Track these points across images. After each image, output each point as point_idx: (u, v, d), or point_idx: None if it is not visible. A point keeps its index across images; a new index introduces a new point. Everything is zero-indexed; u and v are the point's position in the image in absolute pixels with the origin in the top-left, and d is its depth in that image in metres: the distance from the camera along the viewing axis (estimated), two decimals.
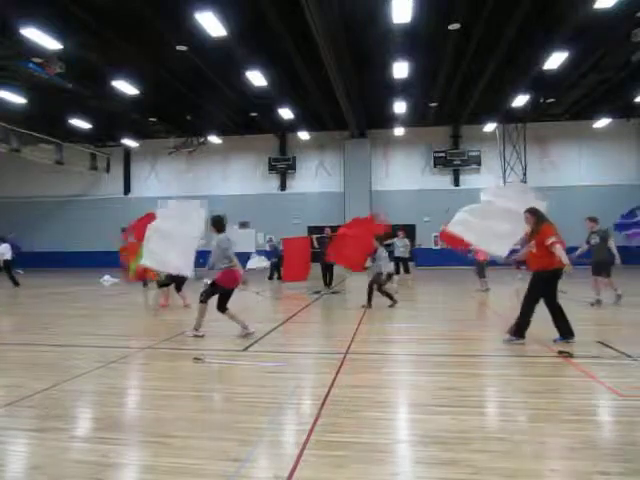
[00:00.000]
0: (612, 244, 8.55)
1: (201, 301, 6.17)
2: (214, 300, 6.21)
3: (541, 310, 5.61)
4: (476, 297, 10.68)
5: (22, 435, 3.15)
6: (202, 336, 6.21)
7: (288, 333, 6.60)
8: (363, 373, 4.51)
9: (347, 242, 10.18)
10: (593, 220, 8.76)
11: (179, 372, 4.67)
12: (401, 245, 15.61)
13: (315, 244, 13.97)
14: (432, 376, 4.43)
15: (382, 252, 8.90)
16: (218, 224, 6.31)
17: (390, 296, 8.84)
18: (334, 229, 13.72)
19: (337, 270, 13.65)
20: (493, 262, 11.84)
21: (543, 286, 5.55)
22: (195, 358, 5.01)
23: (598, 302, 8.64)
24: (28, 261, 23.98)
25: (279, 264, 15.01)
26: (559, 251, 5.31)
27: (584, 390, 3.92)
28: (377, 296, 9.17)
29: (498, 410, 3.62)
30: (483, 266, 11.34)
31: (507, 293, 11.50)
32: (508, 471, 2.53)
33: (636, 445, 2.84)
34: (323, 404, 3.59)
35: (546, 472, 2.56)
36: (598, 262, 8.63)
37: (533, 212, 5.65)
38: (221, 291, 6.17)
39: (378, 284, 8.76)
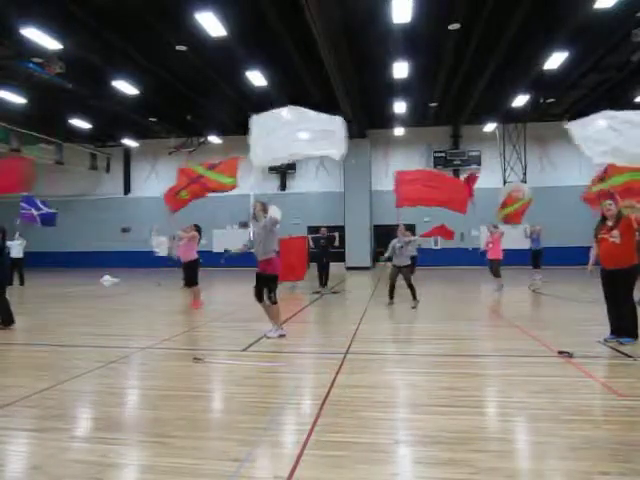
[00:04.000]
0: None
1: (274, 302, 6.22)
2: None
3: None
4: (490, 298, 10.60)
5: (22, 435, 3.15)
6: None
7: (288, 333, 6.59)
8: (363, 373, 4.51)
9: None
10: None
11: (179, 372, 4.67)
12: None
13: (311, 244, 13.94)
14: (432, 376, 4.43)
15: (404, 240, 8.92)
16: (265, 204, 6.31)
17: (414, 293, 8.83)
18: (331, 229, 13.71)
19: (336, 270, 13.65)
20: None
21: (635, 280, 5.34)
22: (195, 358, 5.02)
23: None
24: (28, 261, 24.01)
25: None
26: None
27: (584, 390, 3.92)
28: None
29: (498, 410, 3.62)
30: (498, 265, 11.28)
31: (511, 293, 11.47)
32: (508, 471, 2.53)
33: (636, 445, 2.84)
34: (323, 404, 3.59)
35: (546, 472, 2.56)
36: None
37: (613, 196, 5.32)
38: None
39: (407, 278, 8.80)
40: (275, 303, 6.21)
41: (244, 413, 3.45)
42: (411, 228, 21.82)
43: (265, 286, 6.23)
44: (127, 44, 12.93)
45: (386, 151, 23.18)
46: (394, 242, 8.79)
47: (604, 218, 5.41)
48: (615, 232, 5.15)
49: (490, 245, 11.33)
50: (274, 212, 6.06)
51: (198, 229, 9.20)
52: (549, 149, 22.04)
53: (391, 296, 8.83)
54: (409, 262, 8.98)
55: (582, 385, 4.06)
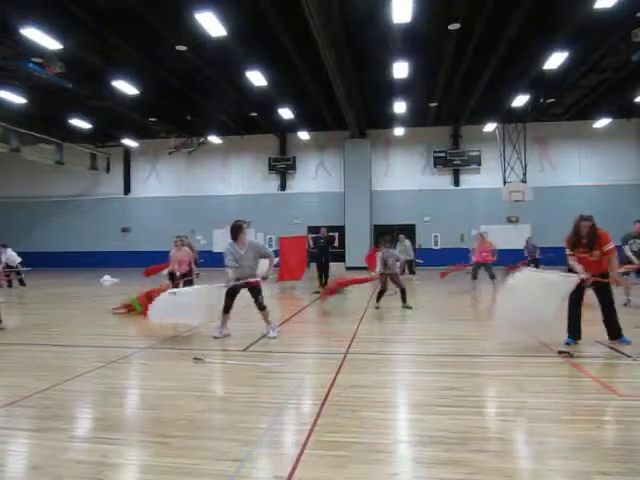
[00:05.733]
0: None
1: (263, 308, 6.28)
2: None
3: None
4: (490, 298, 10.60)
5: (22, 435, 3.15)
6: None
7: (288, 333, 6.60)
8: (363, 373, 4.51)
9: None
10: None
11: (179, 372, 4.67)
12: (402, 250, 15.74)
13: (311, 244, 13.94)
14: (432, 376, 4.43)
15: (396, 254, 9.15)
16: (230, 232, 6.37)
17: (404, 295, 8.93)
18: (331, 229, 13.76)
19: (336, 270, 13.64)
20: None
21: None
22: (195, 358, 5.02)
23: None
24: (28, 261, 24.02)
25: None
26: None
27: (584, 390, 3.92)
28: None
29: (498, 410, 3.61)
30: (491, 267, 11.79)
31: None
32: (508, 471, 2.53)
33: (636, 445, 2.84)
34: (323, 404, 3.59)
35: (546, 472, 2.56)
36: None
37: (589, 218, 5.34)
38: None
39: (399, 283, 8.94)
40: (264, 309, 6.29)
41: (244, 413, 3.45)
42: (411, 228, 21.92)
43: (235, 293, 6.34)
44: (127, 44, 12.93)
45: (386, 151, 23.16)
46: (383, 255, 8.98)
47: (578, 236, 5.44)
48: (596, 252, 5.34)
49: (484, 254, 11.90)
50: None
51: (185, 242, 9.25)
52: (549, 149, 22.04)
53: (378, 300, 8.97)
54: (398, 270, 9.28)
55: (582, 385, 4.06)
